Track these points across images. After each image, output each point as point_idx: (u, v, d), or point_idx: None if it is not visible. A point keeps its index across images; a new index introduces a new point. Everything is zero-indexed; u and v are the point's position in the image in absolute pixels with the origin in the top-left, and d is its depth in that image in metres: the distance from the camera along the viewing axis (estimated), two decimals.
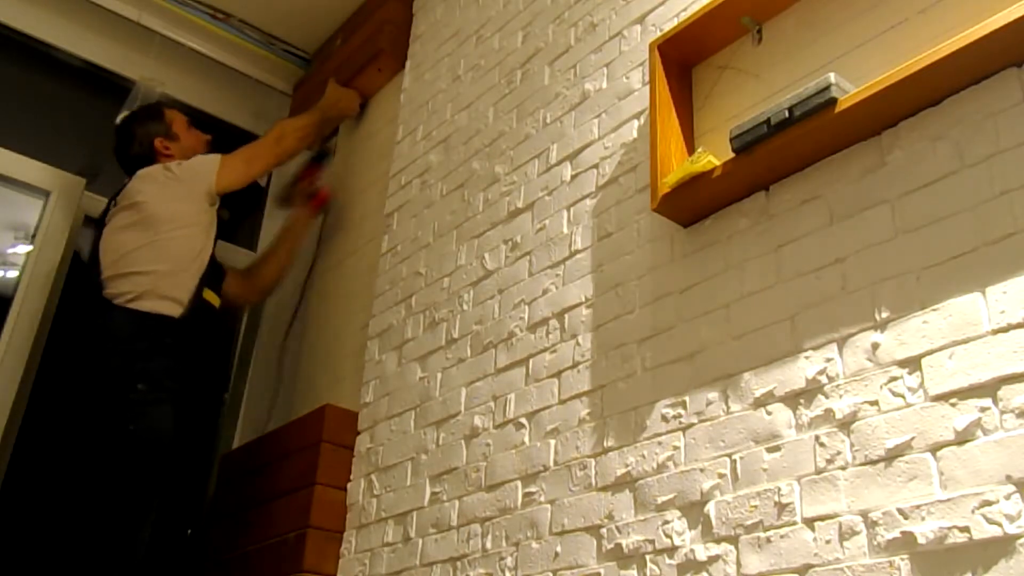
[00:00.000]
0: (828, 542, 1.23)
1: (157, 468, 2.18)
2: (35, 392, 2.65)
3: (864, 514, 1.20)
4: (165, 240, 2.35)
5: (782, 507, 1.30)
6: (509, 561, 1.71)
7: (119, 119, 2.92)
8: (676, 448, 1.50)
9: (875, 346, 1.28)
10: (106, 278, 2.32)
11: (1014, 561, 1.04)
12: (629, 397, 1.62)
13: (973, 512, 1.09)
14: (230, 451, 2.81)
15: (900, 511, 1.16)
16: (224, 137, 3.33)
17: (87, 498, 2.14)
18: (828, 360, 1.33)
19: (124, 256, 2.33)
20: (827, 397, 1.31)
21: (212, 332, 2.47)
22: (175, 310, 2.30)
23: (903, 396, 1.22)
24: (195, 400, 2.34)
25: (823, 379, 1.33)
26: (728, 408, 1.45)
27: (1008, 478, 1.08)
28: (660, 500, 1.48)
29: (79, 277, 2.48)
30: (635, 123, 1.89)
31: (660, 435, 1.54)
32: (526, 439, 1.81)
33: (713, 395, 1.48)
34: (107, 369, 2.22)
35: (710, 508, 1.40)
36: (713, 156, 1.54)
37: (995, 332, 1.15)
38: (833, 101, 1.36)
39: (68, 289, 2.82)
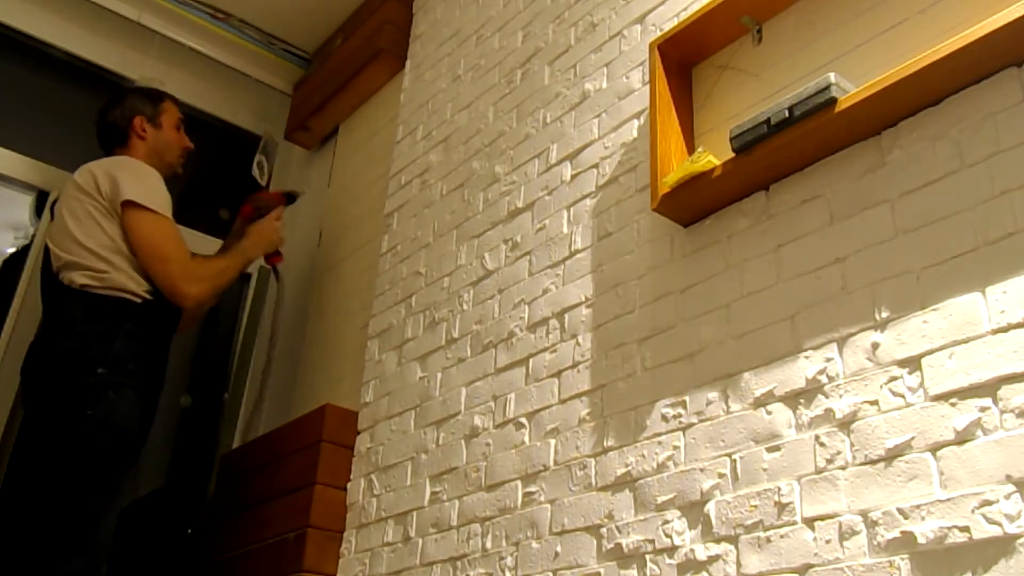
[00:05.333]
0: (828, 542, 1.23)
1: (117, 454, 2.13)
2: None
3: (864, 514, 1.20)
4: (117, 232, 2.25)
5: (782, 507, 1.30)
6: (509, 561, 1.71)
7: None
8: (676, 448, 1.50)
9: (875, 346, 1.28)
10: (60, 266, 2.23)
11: (1014, 561, 1.04)
12: (629, 397, 1.63)
13: (973, 512, 1.09)
14: (230, 451, 2.81)
15: (900, 511, 1.16)
16: (224, 137, 3.34)
17: (44, 484, 2.08)
18: (828, 360, 1.33)
19: (80, 246, 2.23)
20: (827, 397, 1.31)
21: (178, 317, 2.36)
22: (135, 297, 2.22)
23: (903, 396, 1.22)
24: (159, 385, 2.27)
25: (823, 379, 1.33)
26: (728, 408, 1.45)
27: (1008, 478, 1.08)
28: (660, 500, 1.48)
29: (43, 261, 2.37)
30: (635, 123, 1.89)
31: (660, 435, 1.54)
32: (526, 439, 1.81)
33: (713, 395, 1.48)
34: (63, 352, 2.15)
35: (710, 508, 1.40)
36: (713, 156, 1.54)
37: (995, 332, 1.15)
38: (833, 101, 1.36)
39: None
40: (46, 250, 2.32)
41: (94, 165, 2.33)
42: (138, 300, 2.22)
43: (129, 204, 2.22)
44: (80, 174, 2.32)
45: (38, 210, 2.87)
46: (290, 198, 2.82)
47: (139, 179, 2.30)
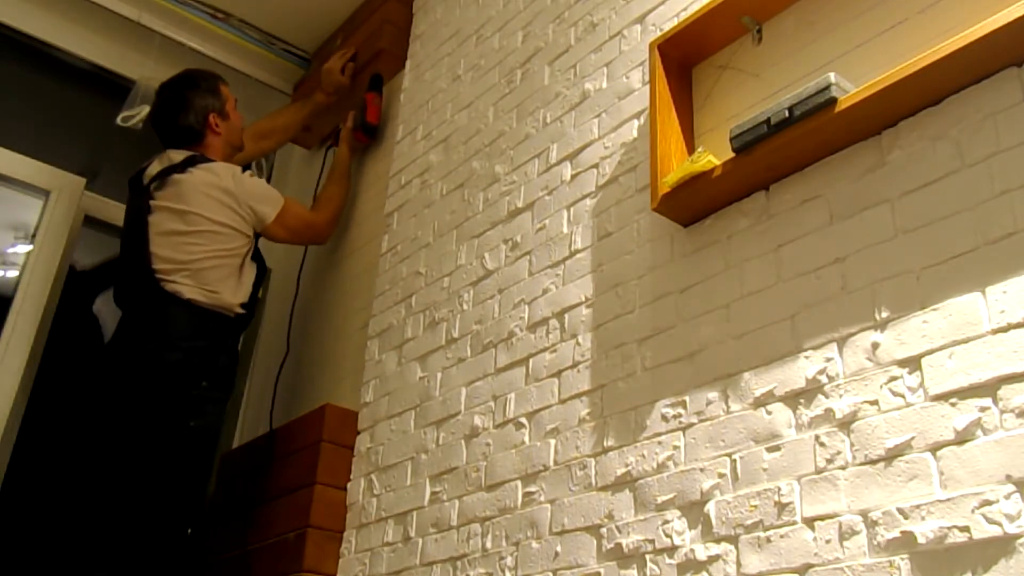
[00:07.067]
0: (828, 542, 1.23)
1: (205, 464, 2.27)
2: (35, 392, 2.65)
3: (864, 514, 1.20)
4: (221, 250, 2.36)
5: (782, 507, 1.30)
6: (509, 561, 1.71)
7: (119, 118, 2.92)
8: (676, 448, 1.50)
9: (875, 346, 1.28)
10: (163, 273, 2.29)
11: (1014, 561, 1.04)
12: (629, 397, 1.63)
13: (973, 512, 1.09)
14: (230, 451, 2.81)
15: (900, 511, 1.16)
16: None
17: (131, 490, 2.15)
18: (828, 360, 1.33)
19: (182, 258, 2.31)
20: (827, 397, 1.31)
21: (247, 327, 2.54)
22: (232, 312, 2.35)
23: (903, 396, 1.22)
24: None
25: (823, 379, 1.33)
26: (728, 408, 1.45)
27: (1008, 478, 1.08)
28: (660, 500, 1.48)
29: (127, 256, 2.41)
30: (635, 123, 1.89)
31: (660, 435, 1.54)
32: (526, 439, 1.81)
33: (713, 395, 1.48)
34: (167, 364, 2.22)
35: (710, 508, 1.40)
36: (713, 156, 1.54)
37: (995, 332, 1.15)
38: (833, 101, 1.36)
39: (69, 287, 2.82)
40: (135, 247, 2.35)
41: (210, 186, 2.38)
42: (232, 316, 2.35)
43: (273, 221, 2.47)
44: (193, 188, 2.36)
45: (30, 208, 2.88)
46: (377, 81, 2.93)
47: (260, 192, 2.46)
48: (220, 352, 2.32)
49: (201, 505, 2.68)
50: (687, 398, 1.52)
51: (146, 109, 2.90)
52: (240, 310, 2.38)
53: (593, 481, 1.62)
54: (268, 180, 3.42)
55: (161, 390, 2.20)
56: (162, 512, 2.16)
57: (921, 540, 1.13)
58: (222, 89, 2.60)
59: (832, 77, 1.37)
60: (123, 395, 2.22)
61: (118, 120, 2.93)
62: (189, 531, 2.52)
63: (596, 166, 1.94)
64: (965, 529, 1.09)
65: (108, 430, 2.23)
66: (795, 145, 1.44)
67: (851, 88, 1.37)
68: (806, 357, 1.36)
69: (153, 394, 2.20)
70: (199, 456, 2.24)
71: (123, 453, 2.18)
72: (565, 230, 1.95)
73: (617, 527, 1.53)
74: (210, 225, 2.35)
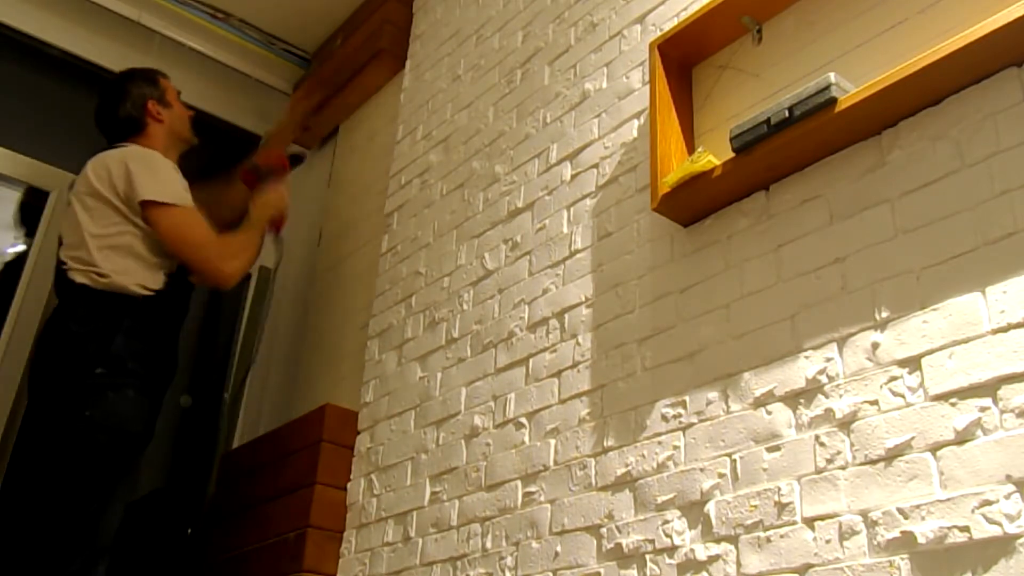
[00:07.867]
0: (828, 542, 1.23)
1: (118, 455, 2.10)
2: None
3: (864, 514, 1.20)
4: (104, 224, 2.21)
5: (782, 507, 1.30)
6: (509, 561, 1.71)
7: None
8: (676, 448, 1.50)
9: (875, 346, 1.28)
10: (63, 262, 2.21)
11: (1014, 561, 1.04)
12: (629, 397, 1.63)
13: (973, 512, 1.09)
14: (230, 451, 2.81)
15: (900, 511, 1.16)
16: (224, 137, 3.34)
17: (45, 485, 2.06)
18: (828, 360, 1.33)
19: (72, 241, 2.22)
20: (827, 397, 1.31)
21: (184, 311, 2.34)
22: (138, 292, 2.18)
23: (903, 396, 1.22)
24: (165, 383, 2.25)
25: (823, 379, 1.33)
26: (728, 408, 1.45)
27: (1008, 478, 1.08)
28: (660, 500, 1.48)
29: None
30: (635, 123, 1.89)
31: (660, 435, 1.54)
32: (526, 439, 1.81)
33: (713, 395, 1.48)
34: (62, 351, 2.13)
35: (710, 508, 1.40)
36: (713, 156, 1.54)
37: (995, 332, 1.15)
38: (833, 101, 1.36)
39: None
40: (60, 242, 2.30)
41: (108, 158, 2.28)
42: (138, 296, 2.18)
43: (148, 204, 2.19)
44: (93, 167, 2.27)
45: (26, 208, 2.86)
46: (295, 160, 2.76)
47: (153, 174, 2.25)
48: (115, 333, 2.12)
49: (202, 505, 2.69)
50: (687, 398, 1.52)
51: None
52: (146, 291, 2.18)
53: (593, 481, 1.62)
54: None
55: (55, 380, 2.11)
56: (64, 506, 2.02)
57: (921, 540, 1.13)
58: (161, 81, 2.50)
59: (832, 77, 1.37)
60: (32, 391, 2.18)
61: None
62: (189, 531, 2.52)
63: (596, 166, 1.94)
64: (965, 529, 1.09)
65: (26, 423, 2.20)
66: (795, 145, 1.44)
67: (851, 88, 1.37)
68: (806, 357, 1.37)
69: (50, 386, 2.12)
70: (105, 447, 2.06)
71: (31, 449, 2.12)
72: (565, 230, 1.95)
73: (617, 527, 1.54)
74: (92, 202, 2.21)
